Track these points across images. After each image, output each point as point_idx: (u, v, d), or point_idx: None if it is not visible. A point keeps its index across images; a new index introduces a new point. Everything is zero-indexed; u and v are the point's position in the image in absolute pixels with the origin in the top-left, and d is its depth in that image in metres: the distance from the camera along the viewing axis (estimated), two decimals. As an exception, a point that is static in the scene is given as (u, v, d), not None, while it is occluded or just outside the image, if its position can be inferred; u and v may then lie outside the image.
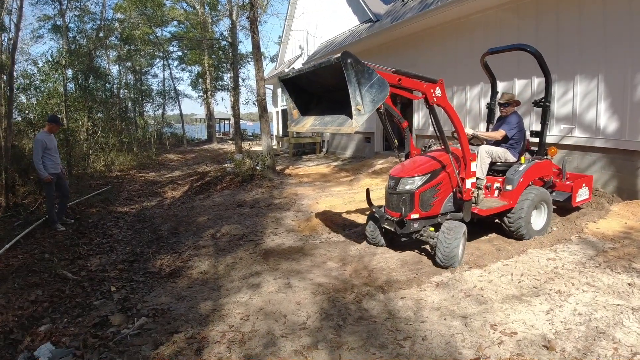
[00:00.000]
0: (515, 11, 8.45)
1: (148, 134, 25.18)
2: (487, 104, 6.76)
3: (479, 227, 5.62)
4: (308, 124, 4.35)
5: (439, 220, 4.92)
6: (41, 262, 5.89)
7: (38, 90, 13.47)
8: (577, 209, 6.44)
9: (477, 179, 5.13)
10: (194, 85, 39.39)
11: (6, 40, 13.02)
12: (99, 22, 23.06)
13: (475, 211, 5.01)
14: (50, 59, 13.84)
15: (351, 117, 3.59)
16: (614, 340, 3.07)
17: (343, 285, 4.37)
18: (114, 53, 28.27)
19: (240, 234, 6.50)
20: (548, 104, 5.83)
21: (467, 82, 9.89)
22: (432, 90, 4.23)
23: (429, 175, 4.78)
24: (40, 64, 16.41)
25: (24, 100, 13.64)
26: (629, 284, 3.92)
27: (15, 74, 13.10)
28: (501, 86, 8.56)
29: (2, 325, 4.09)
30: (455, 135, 4.87)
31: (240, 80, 18.80)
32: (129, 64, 29.97)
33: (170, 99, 36.89)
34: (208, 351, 3.30)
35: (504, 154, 5.60)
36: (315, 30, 17.67)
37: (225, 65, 33.46)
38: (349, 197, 8.49)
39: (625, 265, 4.33)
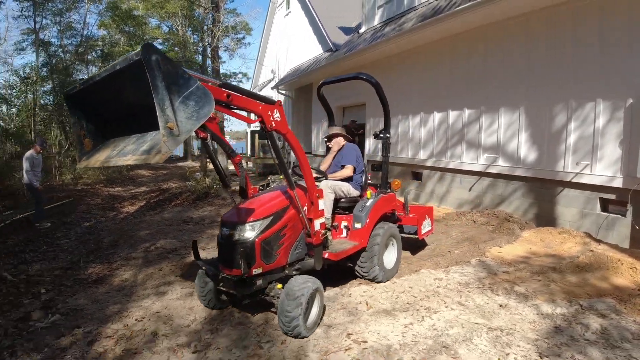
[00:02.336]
0: (449, 46, 9.08)
1: (122, 149, 25.27)
2: (324, 137, 6.15)
3: (332, 274, 4.98)
4: (102, 157, 3.22)
5: (287, 272, 4.14)
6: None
7: (11, 104, 13.89)
8: (424, 243, 6.49)
9: (325, 218, 4.45)
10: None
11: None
12: (79, 38, 23.50)
13: (326, 256, 4.37)
14: (22, 74, 14.23)
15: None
16: (454, 355, 3.23)
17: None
18: (95, 68, 28.65)
19: (172, 247, 6.82)
20: (388, 135, 5.54)
21: (409, 112, 10.42)
22: (269, 113, 3.57)
23: (271, 217, 3.95)
24: (17, 78, 16.78)
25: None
26: (501, 305, 4.10)
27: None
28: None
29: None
30: (298, 170, 4.29)
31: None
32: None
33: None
34: (98, 344, 3.83)
35: (347, 189, 5.11)
36: (286, 55, 18.19)
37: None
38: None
39: (508, 287, 4.52)
